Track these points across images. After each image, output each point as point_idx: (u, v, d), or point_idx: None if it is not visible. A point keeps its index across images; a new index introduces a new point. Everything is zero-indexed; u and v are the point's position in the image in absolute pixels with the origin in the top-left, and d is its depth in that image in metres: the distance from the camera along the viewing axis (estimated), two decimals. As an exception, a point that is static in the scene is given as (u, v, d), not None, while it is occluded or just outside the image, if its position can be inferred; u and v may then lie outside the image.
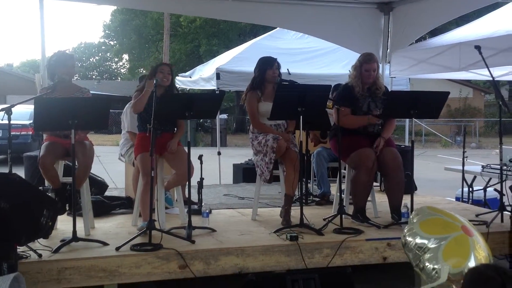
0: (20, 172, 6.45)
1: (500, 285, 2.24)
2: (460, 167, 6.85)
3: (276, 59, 5.32)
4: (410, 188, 5.25)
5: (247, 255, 4.27)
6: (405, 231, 3.30)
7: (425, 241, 3.12)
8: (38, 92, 6.14)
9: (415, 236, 3.19)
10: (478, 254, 3.04)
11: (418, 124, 23.00)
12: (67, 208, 4.88)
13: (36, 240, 3.95)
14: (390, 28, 7.59)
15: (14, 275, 3.05)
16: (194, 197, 5.64)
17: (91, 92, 5.16)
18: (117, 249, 4.09)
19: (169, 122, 5.02)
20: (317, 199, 6.43)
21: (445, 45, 6.46)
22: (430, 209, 3.43)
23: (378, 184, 6.87)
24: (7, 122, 4.25)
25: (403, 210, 5.04)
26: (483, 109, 33.29)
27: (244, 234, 4.78)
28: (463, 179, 6.84)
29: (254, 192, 5.56)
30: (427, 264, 3.05)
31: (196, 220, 4.73)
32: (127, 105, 5.86)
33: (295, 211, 5.05)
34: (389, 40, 7.62)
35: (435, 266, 3.01)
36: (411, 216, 3.42)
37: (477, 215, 5.43)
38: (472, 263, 2.98)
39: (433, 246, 3.06)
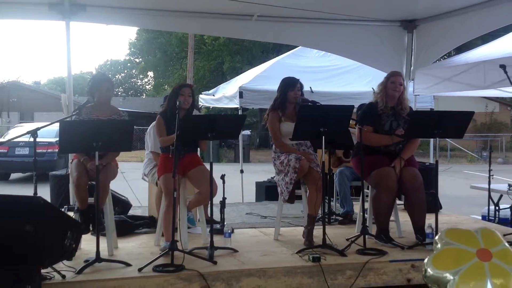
0: (46, 190, 6.58)
1: None
2: (486, 185, 6.75)
3: (298, 80, 5.33)
4: (435, 207, 5.18)
5: (269, 276, 4.25)
6: (425, 262, 3.30)
7: (441, 276, 3.10)
8: (64, 112, 6.27)
9: (432, 270, 3.20)
10: (497, 280, 2.99)
11: (443, 139, 22.73)
12: (91, 228, 4.93)
13: (60, 261, 3.98)
14: (413, 45, 7.56)
15: None
16: (217, 216, 5.64)
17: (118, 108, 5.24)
18: (140, 270, 4.11)
19: (192, 142, 5.06)
20: (340, 218, 6.39)
21: (470, 63, 6.40)
22: (449, 235, 3.43)
23: (402, 203, 6.79)
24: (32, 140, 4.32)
25: (427, 230, 4.98)
26: (510, 124, 32.79)
27: (266, 254, 4.76)
28: (489, 197, 6.73)
29: (276, 211, 5.55)
30: None
31: (218, 240, 4.74)
32: (151, 125, 5.92)
33: (317, 231, 5.03)
34: (412, 57, 7.59)
35: None
36: (434, 244, 3.41)
37: (504, 235, 5.30)
38: None
39: (448, 280, 3.05)
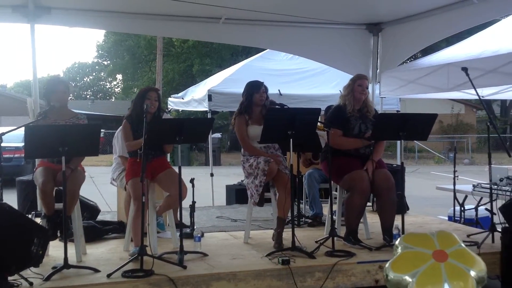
0: (13, 195, 6.47)
1: None
2: (452, 186, 6.88)
3: (262, 82, 5.37)
4: (402, 208, 5.27)
5: (239, 280, 4.26)
6: (385, 267, 3.40)
7: (401, 279, 3.21)
8: (30, 117, 6.18)
9: (392, 275, 3.31)
10: (454, 280, 3.09)
11: (410, 141, 23.09)
12: (59, 234, 4.87)
13: (27, 268, 3.92)
14: (379, 48, 7.68)
15: None
16: (186, 220, 5.64)
17: (84, 112, 5.17)
18: (109, 276, 4.08)
19: (160, 147, 5.04)
20: (309, 220, 6.44)
21: (434, 65, 6.53)
22: (406, 240, 3.56)
23: (370, 204, 6.88)
24: None
25: (394, 231, 5.07)
26: (476, 125, 33.50)
27: (236, 258, 4.78)
28: (455, 198, 6.86)
29: (246, 214, 5.57)
30: None
31: (188, 244, 4.74)
32: (118, 129, 5.88)
33: (287, 233, 5.06)
34: (378, 60, 7.71)
35: None
36: (394, 248, 3.53)
37: (468, 236, 5.45)
38: None
39: (407, 282, 3.13)
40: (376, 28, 7.64)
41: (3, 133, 4.28)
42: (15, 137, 12.93)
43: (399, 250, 3.43)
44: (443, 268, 3.15)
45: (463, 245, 3.69)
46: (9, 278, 3.68)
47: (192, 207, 5.75)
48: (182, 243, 4.54)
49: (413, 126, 4.95)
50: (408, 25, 7.19)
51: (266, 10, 6.75)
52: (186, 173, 4.69)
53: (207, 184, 9.13)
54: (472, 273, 3.30)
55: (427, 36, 7.04)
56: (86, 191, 5.12)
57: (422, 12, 6.83)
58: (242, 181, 9.08)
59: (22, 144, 13.69)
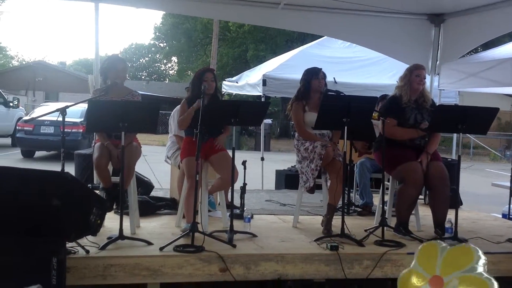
0: (71, 168, 6.70)
1: None
2: (508, 184, 6.70)
3: (321, 69, 5.36)
4: (455, 203, 5.18)
5: (286, 262, 4.30)
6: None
7: None
8: (91, 93, 6.37)
9: None
10: None
11: (466, 136, 22.49)
12: (114, 206, 5.04)
13: (84, 237, 4.09)
14: (440, 40, 7.51)
15: (36, 287, 3.14)
16: (237, 202, 5.71)
17: (140, 92, 5.30)
18: (161, 249, 4.20)
19: (216, 128, 5.12)
20: (359, 209, 6.42)
21: (496, 59, 6.35)
22: (422, 250, 3.57)
23: (422, 197, 6.79)
24: (60, 119, 4.41)
25: (447, 225, 4.99)
26: (535, 123, 32.25)
27: (285, 241, 4.82)
28: (511, 195, 6.69)
29: (295, 199, 5.60)
30: None
31: (237, 225, 4.81)
32: (175, 109, 6.00)
33: (336, 221, 5.07)
34: (439, 52, 7.54)
35: None
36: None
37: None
38: None
39: None
40: (438, 19, 7.46)
41: (67, 106, 4.45)
42: (73, 113, 13.44)
43: (413, 262, 3.36)
44: None
45: (478, 266, 3.35)
46: (67, 245, 3.83)
47: (243, 189, 5.83)
48: (232, 222, 4.62)
49: (473, 119, 4.83)
50: (472, 17, 6.99)
51: (326, -3, 6.70)
52: (237, 157, 4.75)
53: (256, 169, 9.19)
54: None
55: (491, 29, 6.83)
56: (139, 169, 5.26)
57: (486, 5, 6.61)
58: (292, 166, 9.11)
59: (80, 119, 14.29)
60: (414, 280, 3.27)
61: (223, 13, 7.64)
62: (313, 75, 5.29)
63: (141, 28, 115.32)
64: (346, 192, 6.15)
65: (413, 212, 5.32)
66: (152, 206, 5.75)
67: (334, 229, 5.03)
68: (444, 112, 5.19)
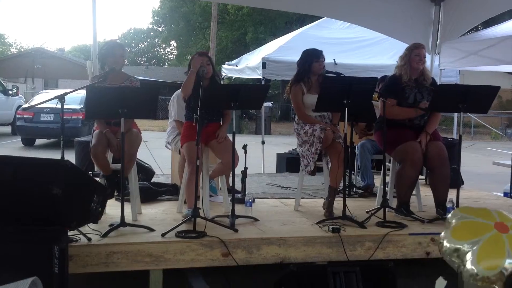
0: (71, 156, 6.69)
1: None
2: (509, 162, 6.69)
3: (321, 51, 5.30)
4: (457, 182, 5.17)
5: (288, 245, 4.31)
6: (441, 235, 3.31)
7: (459, 247, 3.12)
8: (89, 79, 6.33)
9: (449, 242, 3.20)
10: None
11: (467, 115, 22.45)
12: (115, 194, 5.04)
13: (86, 225, 4.09)
14: (440, 18, 7.44)
15: (32, 279, 3.10)
16: (238, 186, 5.71)
17: (139, 77, 5.26)
18: (163, 235, 4.20)
19: (216, 112, 5.09)
20: (361, 191, 6.42)
21: (497, 37, 6.31)
22: (463, 211, 3.43)
23: (423, 177, 6.78)
24: (59, 106, 4.38)
25: (448, 205, 4.97)
26: (536, 101, 32.16)
27: (287, 224, 4.82)
28: (512, 174, 6.69)
29: (297, 182, 5.59)
30: (464, 268, 3.05)
31: (239, 209, 4.80)
32: (174, 94, 5.97)
33: (338, 203, 5.07)
34: (439, 31, 7.48)
35: (473, 271, 3.01)
36: (448, 220, 3.42)
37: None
38: (509, 262, 2.95)
39: (467, 251, 3.06)
40: (438, -3, 7.40)
41: (66, 93, 4.40)
42: (72, 100, 13.38)
43: (454, 220, 3.33)
44: (506, 239, 3.05)
45: None
46: (69, 233, 3.82)
47: (244, 173, 5.80)
48: (234, 207, 4.62)
49: (474, 98, 4.79)
50: (472, -5, 6.94)
51: (324, -23, 6.63)
52: (237, 141, 4.73)
53: (257, 152, 9.18)
54: None
55: (492, 7, 6.77)
56: (140, 155, 5.25)
57: (487, -18, 6.56)
58: (293, 149, 9.09)
59: (80, 106, 14.24)
60: (477, 227, 3.22)
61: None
62: (314, 58, 5.25)
63: (139, 12, 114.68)
64: (347, 174, 6.14)
65: (414, 192, 5.31)
66: (153, 192, 5.74)
67: (335, 211, 5.03)
68: (445, 91, 5.15)
